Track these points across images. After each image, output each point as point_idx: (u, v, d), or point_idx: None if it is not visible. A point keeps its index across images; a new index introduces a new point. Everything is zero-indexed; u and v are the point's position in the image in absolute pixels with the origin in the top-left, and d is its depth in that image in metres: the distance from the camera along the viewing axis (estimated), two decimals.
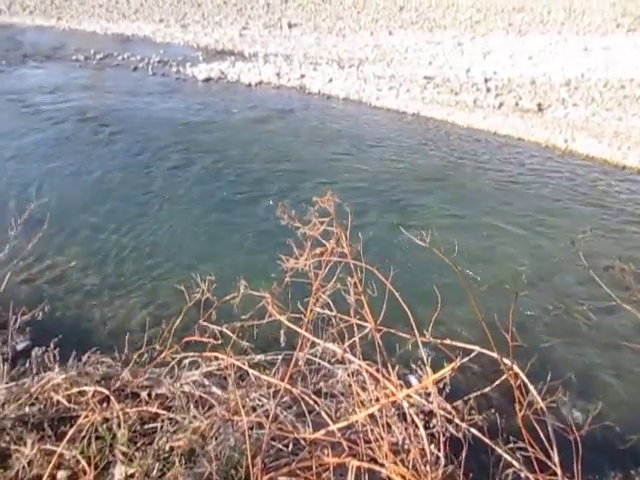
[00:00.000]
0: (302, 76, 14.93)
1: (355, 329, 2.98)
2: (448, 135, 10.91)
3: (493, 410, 3.14)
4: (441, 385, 2.94)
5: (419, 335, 2.79)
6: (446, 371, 2.40)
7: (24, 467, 2.38)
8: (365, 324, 3.05)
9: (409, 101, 12.83)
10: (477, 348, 2.70)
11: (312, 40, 19.91)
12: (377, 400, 2.52)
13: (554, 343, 4.68)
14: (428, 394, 2.73)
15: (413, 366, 3.55)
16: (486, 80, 14.25)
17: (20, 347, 4.27)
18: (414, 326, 2.83)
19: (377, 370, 2.68)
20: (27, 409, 2.67)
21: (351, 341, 3.10)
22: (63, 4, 29.19)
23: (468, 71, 15.28)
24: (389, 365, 2.91)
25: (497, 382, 2.94)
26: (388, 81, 14.36)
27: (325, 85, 14.18)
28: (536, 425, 2.39)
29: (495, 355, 2.45)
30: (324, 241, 3.13)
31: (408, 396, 2.63)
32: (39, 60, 17.42)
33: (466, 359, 2.70)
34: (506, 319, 2.32)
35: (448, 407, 2.67)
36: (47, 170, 8.65)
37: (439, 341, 2.65)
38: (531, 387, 2.44)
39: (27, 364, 3.71)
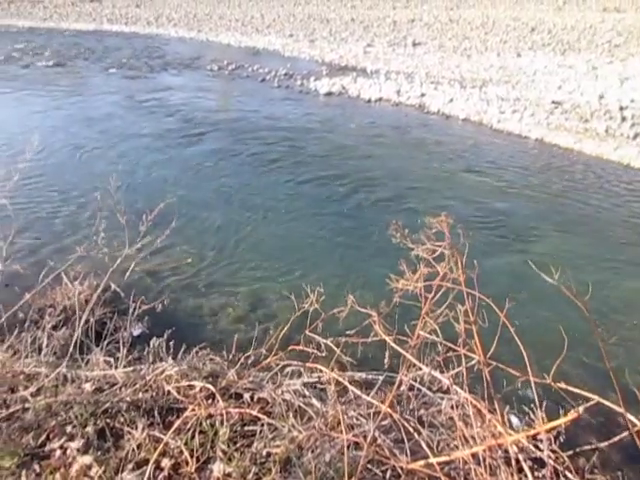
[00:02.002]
0: (422, 95, 14.81)
1: (463, 360, 2.86)
2: (573, 164, 10.24)
3: (611, 468, 2.87)
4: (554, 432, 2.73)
5: (532, 374, 2.61)
6: (565, 420, 2.22)
7: (133, 449, 2.53)
8: (473, 355, 2.92)
9: (533, 126, 12.25)
10: (598, 398, 2.48)
11: (435, 59, 19.72)
12: (483, 439, 2.39)
13: None
14: (537, 439, 2.54)
15: (522, 407, 3.35)
16: (621, 108, 13.24)
17: (136, 333, 4.58)
18: (527, 364, 2.66)
19: (484, 406, 2.55)
20: (141, 395, 2.85)
21: (456, 371, 2.98)
22: (204, 18, 31.41)
23: (601, 97, 14.30)
24: (496, 402, 2.76)
25: (616, 438, 2.68)
26: (512, 104, 13.83)
27: (445, 105, 13.96)
28: None
29: (620, 410, 2.22)
30: (436, 264, 3.04)
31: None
32: (178, 68, 18.86)
33: (583, 407, 2.49)
34: (638, 375, 2.11)
35: (565, 458, 2.46)
36: (174, 171, 9.30)
37: (557, 384, 2.46)
38: None
39: (142, 350, 3.98)
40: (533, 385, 2.57)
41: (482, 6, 38.14)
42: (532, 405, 2.79)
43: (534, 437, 2.70)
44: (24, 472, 2.38)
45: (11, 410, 2.59)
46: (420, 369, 2.99)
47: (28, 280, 4.43)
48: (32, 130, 11.31)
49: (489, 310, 2.93)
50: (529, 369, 2.63)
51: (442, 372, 3.01)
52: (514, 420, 3.59)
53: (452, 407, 2.77)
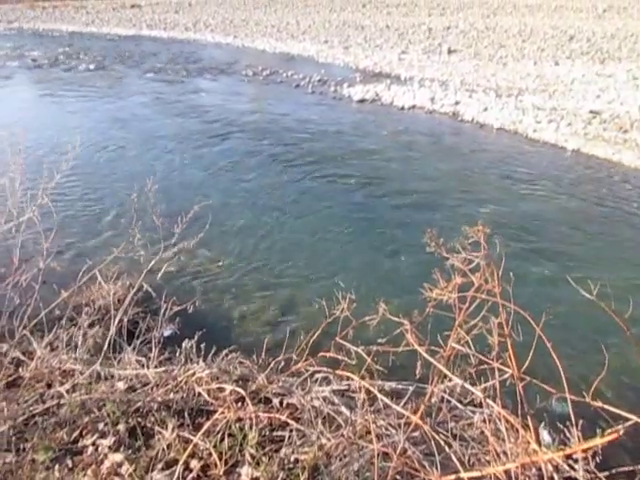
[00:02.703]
0: (456, 103, 14.68)
1: (496, 373, 2.80)
2: (611, 175, 9.98)
3: None
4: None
5: (568, 391, 2.54)
6: (603, 441, 2.15)
7: (163, 449, 2.56)
8: (506, 369, 2.85)
9: (570, 136, 12.00)
10: (637, 419, 2.39)
11: (471, 67, 19.53)
12: (516, 455, 2.33)
13: None
14: (572, 458, 2.47)
15: (553, 423, 3.27)
16: None
17: (167, 334, 4.64)
18: (564, 381, 2.59)
19: (518, 422, 2.49)
20: (172, 395, 2.87)
21: (488, 384, 2.92)
22: (241, 24, 31.83)
23: None
24: (529, 418, 2.69)
25: None
26: (548, 113, 13.58)
27: (479, 113, 13.80)
28: None
29: None
30: (471, 275, 2.99)
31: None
32: (213, 73, 19.15)
33: (622, 427, 2.41)
34: None
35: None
36: (208, 173, 9.44)
37: (594, 402, 2.39)
38: None
39: (173, 351, 4.03)
40: (569, 402, 2.50)
41: (519, 14, 37.64)
42: (567, 423, 2.71)
43: (569, 456, 2.63)
44: (57, 467, 2.42)
45: (47, 405, 2.65)
46: (451, 381, 2.94)
47: (64, 278, 4.53)
48: (72, 131, 11.63)
49: (524, 323, 2.87)
50: (565, 385, 2.56)
51: (473, 385, 2.95)
52: (545, 437, 3.50)
53: (484, 421, 2.71)
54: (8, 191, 3.36)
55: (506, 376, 2.91)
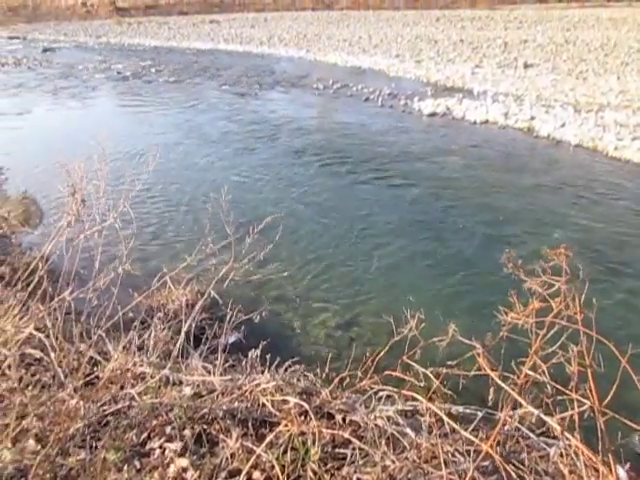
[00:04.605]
0: (532, 118, 14.21)
1: (575, 405, 2.63)
2: None
3: None
4: None
5: None
6: None
7: (227, 458, 2.56)
8: (585, 401, 2.68)
9: None
10: None
11: (548, 81, 18.88)
12: None
13: None
14: None
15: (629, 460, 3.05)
16: None
17: (231, 340, 4.70)
18: None
19: (599, 459, 2.32)
20: (236, 404, 2.89)
21: (565, 415, 2.76)
22: (313, 38, 32.36)
23: None
24: (610, 456, 2.51)
25: None
26: (632, 130, 12.87)
27: (556, 129, 13.28)
28: None
29: None
30: (550, 299, 2.84)
31: None
32: (285, 86, 19.55)
33: None
34: None
35: None
36: (279, 184, 9.59)
37: None
38: None
39: (236, 359, 4.08)
40: None
41: (602, 27, 36.14)
42: None
43: None
44: (126, 467, 2.48)
45: (119, 406, 2.73)
46: (524, 409, 2.79)
47: (137, 281, 4.69)
48: (151, 141, 12.18)
49: (606, 352, 2.70)
50: None
51: (547, 415, 2.80)
52: (622, 474, 3.27)
53: (561, 455, 2.55)
54: (93, 197, 3.53)
55: (584, 408, 2.74)
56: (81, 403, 2.61)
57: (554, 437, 2.94)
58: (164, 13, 56.48)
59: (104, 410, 2.70)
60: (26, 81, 21.60)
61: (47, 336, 3.05)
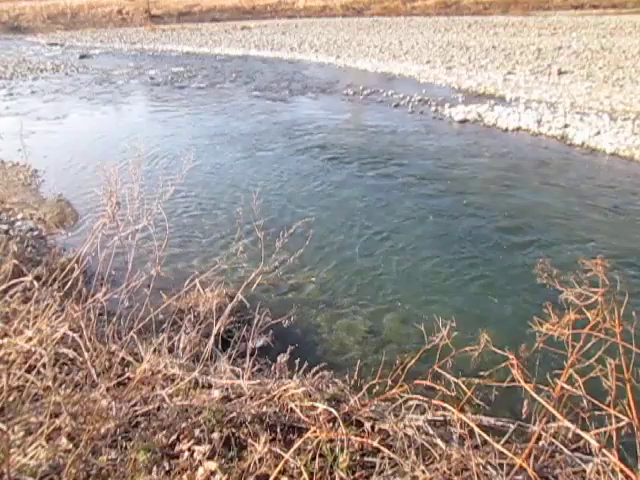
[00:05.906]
0: (565, 125, 13.94)
1: (613, 420, 2.55)
2: None
3: None
4: None
5: None
6: None
7: (255, 463, 2.56)
8: (622, 417, 2.60)
9: None
10: None
11: (582, 89, 18.51)
12: None
13: None
14: None
15: None
16: None
17: (258, 344, 4.70)
18: None
19: (638, 478, 2.24)
20: (265, 409, 2.89)
21: (601, 431, 2.67)
22: (344, 44, 32.44)
23: None
24: None
25: None
26: None
27: (591, 137, 12.99)
28: None
29: None
30: (587, 311, 2.76)
31: None
32: (315, 92, 19.62)
33: None
34: None
35: None
36: (307, 190, 9.61)
37: None
38: None
39: (264, 362, 4.08)
40: None
41: None
42: None
43: None
44: (155, 468, 2.49)
45: (149, 407, 2.75)
46: (559, 423, 2.72)
47: (167, 284, 4.75)
48: (184, 145, 12.36)
49: None
50: None
51: (583, 430, 2.72)
52: None
53: (597, 472, 2.47)
54: (127, 200, 3.58)
55: (622, 424, 2.66)
56: (113, 403, 2.64)
57: (589, 453, 2.86)
58: (197, 20, 57.29)
59: (135, 411, 2.73)
60: (63, 87, 22.16)
61: (81, 336, 3.11)
